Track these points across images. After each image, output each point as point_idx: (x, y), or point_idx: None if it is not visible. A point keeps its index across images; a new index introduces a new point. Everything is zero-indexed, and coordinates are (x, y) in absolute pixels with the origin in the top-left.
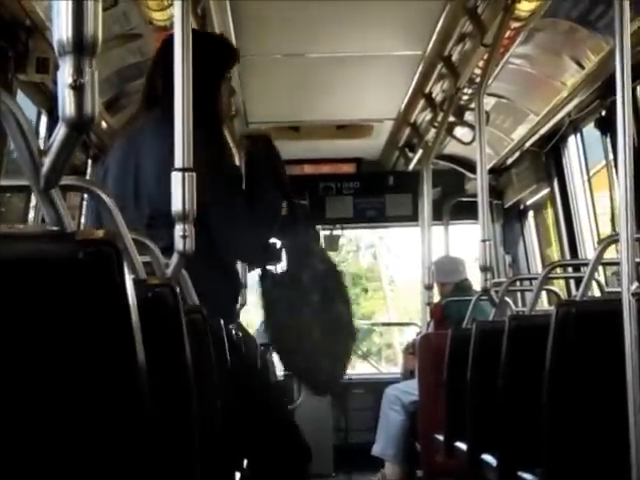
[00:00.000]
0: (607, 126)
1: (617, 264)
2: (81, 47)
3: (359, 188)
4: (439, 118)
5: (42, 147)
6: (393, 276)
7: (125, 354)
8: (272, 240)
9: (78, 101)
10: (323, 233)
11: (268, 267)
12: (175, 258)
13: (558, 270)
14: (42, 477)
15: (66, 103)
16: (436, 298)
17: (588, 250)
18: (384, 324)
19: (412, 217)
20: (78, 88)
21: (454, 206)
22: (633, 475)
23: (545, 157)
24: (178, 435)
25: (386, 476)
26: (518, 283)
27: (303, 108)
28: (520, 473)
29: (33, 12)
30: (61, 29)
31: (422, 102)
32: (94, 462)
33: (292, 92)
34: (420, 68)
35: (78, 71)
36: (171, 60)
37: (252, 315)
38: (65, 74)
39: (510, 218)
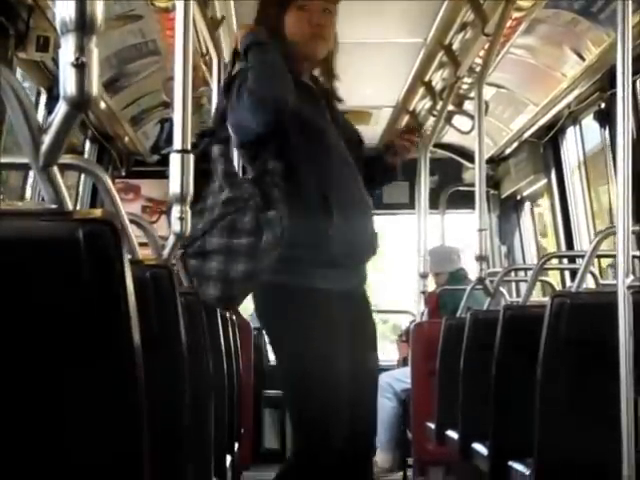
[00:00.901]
0: (606, 118)
1: (613, 256)
2: (83, 25)
3: None
4: (438, 107)
5: (41, 125)
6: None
7: (121, 333)
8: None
9: (79, 79)
10: None
11: None
12: (171, 240)
13: (553, 261)
14: (33, 454)
15: (67, 81)
16: (431, 287)
17: (584, 242)
18: (378, 311)
19: (409, 205)
20: (79, 66)
21: (451, 195)
22: (624, 466)
23: (543, 148)
24: (171, 416)
25: (377, 463)
26: (513, 273)
27: None
28: (511, 463)
29: None
30: (64, 7)
31: (422, 90)
32: (89, 439)
33: None
34: (420, 56)
35: (80, 49)
36: None
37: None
38: (67, 52)
39: (506, 208)
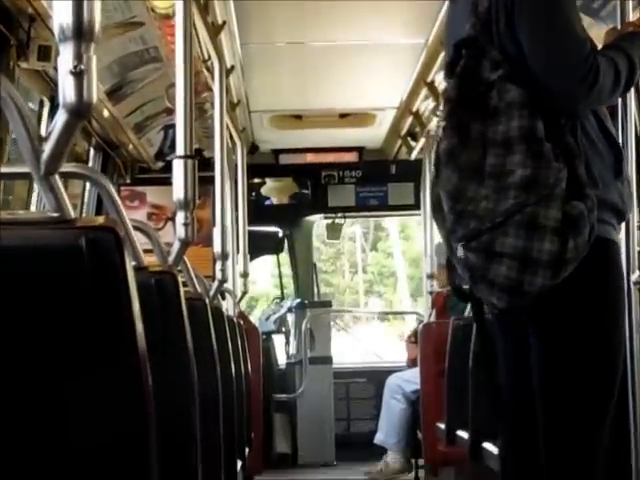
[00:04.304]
0: (610, 113)
1: None
2: (81, 33)
3: (361, 177)
4: (441, 107)
5: (43, 134)
6: None
7: (126, 340)
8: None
9: (78, 87)
10: (325, 222)
11: None
12: (176, 246)
13: None
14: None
15: (66, 89)
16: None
17: None
18: (387, 313)
19: (414, 206)
20: (78, 74)
21: None
22: (633, 464)
23: None
24: (179, 422)
25: (389, 464)
26: None
27: (306, 96)
28: None
29: (35, 0)
30: (61, 15)
31: (424, 91)
32: (96, 446)
33: (295, 80)
34: (422, 57)
35: (78, 57)
36: None
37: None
38: (65, 60)
39: None
